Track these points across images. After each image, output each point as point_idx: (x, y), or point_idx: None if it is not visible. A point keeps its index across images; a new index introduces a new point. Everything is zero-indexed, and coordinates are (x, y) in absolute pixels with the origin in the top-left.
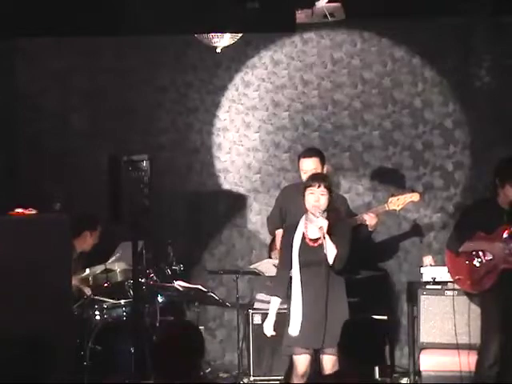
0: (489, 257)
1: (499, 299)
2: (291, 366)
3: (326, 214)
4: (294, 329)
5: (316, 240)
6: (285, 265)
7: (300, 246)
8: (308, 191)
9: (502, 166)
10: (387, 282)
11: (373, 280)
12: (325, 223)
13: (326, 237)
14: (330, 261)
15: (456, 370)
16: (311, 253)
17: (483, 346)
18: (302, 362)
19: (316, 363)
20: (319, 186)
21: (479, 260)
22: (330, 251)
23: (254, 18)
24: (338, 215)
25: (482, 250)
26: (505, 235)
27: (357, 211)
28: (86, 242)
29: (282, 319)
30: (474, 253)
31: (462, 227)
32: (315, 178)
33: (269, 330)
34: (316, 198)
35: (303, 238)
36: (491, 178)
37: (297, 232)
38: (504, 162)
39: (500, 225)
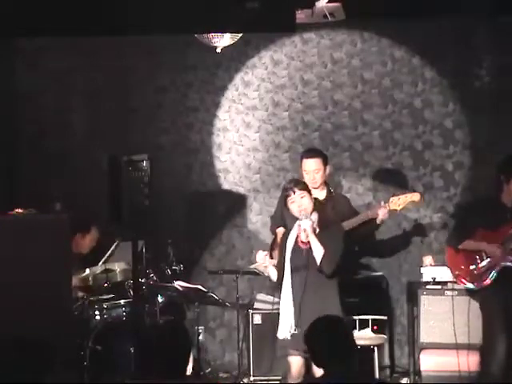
0: (489, 256)
1: (499, 297)
2: (288, 367)
3: (315, 215)
4: (284, 331)
5: (307, 242)
6: (282, 267)
7: (293, 248)
8: (289, 201)
9: (508, 161)
10: (387, 282)
11: (373, 280)
12: (307, 224)
13: (311, 238)
14: (318, 262)
15: (456, 370)
16: (302, 254)
17: (489, 346)
18: (294, 363)
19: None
20: (294, 192)
21: (479, 258)
22: (317, 252)
23: (254, 18)
24: (327, 216)
25: (481, 251)
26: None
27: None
28: (84, 242)
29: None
30: (474, 251)
31: (463, 224)
32: (287, 188)
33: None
34: (299, 204)
35: (296, 240)
36: (495, 175)
37: (291, 234)
38: (509, 157)
39: (503, 223)
